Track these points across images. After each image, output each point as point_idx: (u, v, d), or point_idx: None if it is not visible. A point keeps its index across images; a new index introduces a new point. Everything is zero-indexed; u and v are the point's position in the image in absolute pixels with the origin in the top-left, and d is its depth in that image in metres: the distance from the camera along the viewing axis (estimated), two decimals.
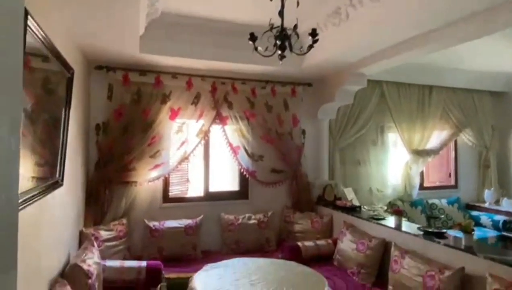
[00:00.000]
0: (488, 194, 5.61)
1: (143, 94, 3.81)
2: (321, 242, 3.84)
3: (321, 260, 3.68)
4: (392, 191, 5.30)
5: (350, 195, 4.72)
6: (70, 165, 2.73)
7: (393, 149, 5.40)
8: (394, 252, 2.97)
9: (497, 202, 5.60)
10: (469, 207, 5.78)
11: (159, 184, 3.97)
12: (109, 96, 3.73)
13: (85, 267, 2.36)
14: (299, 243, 3.75)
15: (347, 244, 3.52)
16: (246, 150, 4.24)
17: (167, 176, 3.98)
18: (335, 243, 3.81)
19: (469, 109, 5.76)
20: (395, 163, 5.37)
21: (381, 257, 3.22)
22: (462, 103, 5.71)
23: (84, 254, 2.56)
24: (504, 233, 5.00)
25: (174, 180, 4.14)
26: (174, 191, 4.14)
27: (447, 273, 2.49)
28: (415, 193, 5.36)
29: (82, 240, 3.19)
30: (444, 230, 2.98)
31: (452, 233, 3.03)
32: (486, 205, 5.61)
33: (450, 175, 5.98)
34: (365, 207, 4.29)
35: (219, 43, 3.56)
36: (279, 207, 4.43)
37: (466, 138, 5.78)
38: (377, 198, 5.13)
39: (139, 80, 3.79)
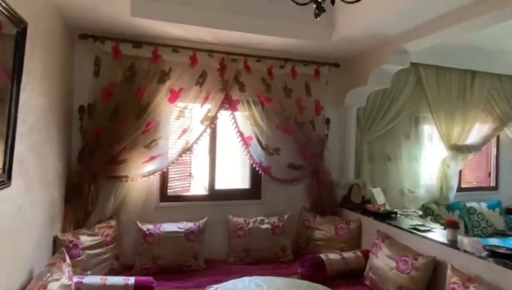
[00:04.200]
0: None
1: (138, 71, 3.14)
2: (348, 255, 3.18)
3: (348, 276, 3.03)
4: (426, 192, 4.60)
5: (379, 196, 4.04)
6: (32, 157, 2.09)
7: (428, 143, 4.67)
8: (452, 278, 2.29)
9: None
10: (509, 211, 5.04)
11: (156, 179, 3.33)
12: (96, 71, 3.07)
13: None
14: (323, 256, 3.09)
15: (383, 261, 2.84)
16: (259, 141, 3.56)
17: (165, 170, 3.33)
18: (365, 255, 3.14)
19: None
20: (430, 160, 4.65)
21: (430, 280, 2.55)
22: (508, 92, 4.94)
23: (48, 275, 1.94)
24: None
25: (173, 175, 3.49)
26: (173, 188, 3.49)
27: None
28: (452, 196, 4.65)
29: (58, 248, 2.57)
30: None
31: None
32: None
33: (489, 175, 5.24)
34: (397, 211, 3.62)
35: (231, 7, 2.88)
36: (297, 209, 3.76)
37: (511, 132, 5.02)
38: (408, 200, 4.44)
39: (132, 53, 3.12)
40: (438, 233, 2.78)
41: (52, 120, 2.49)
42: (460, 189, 4.92)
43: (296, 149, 3.70)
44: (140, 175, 3.16)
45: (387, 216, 3.34)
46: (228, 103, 3.45)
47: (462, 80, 4.67)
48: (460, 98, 4.65)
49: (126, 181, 3.13)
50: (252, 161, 3.59)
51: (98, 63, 3.07)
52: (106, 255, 2.92)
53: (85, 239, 2.82)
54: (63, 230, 2.83)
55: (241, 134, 3.52)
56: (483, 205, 4.81)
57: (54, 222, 2.66)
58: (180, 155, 3.32)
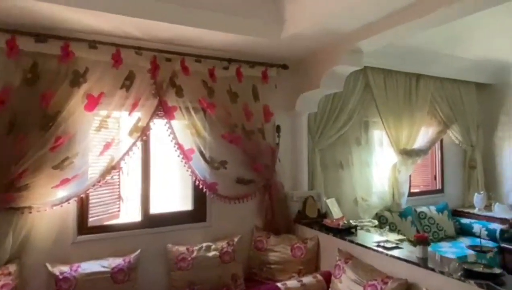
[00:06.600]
0: (478, 199, 4.95)
1: (42, 72, 2.49)
2: (308, 280, 2.79)
3: None
4: (378, 200, 4.42)
5: (334, 207, 3.75)
6: None
7: (379, 149, 4.52)
8: None
9: (486, 207, 4.98)
10: (456, 213, 5.09)
11: (72, 207, 2.66)
12: None
13: None
14: (280, 285, 2.67)
15: (348, 286, 2.50)
16: (202, 154, 3.07)
17: (83, 195, 2.68)
18: (326, 279, 2.79)
19: (456, 102, 5.08)
20: (381, 166, 4.50)
21: None
22: (449, 95, 5.02)
23: None
24: (503, 245, 4.33)
25: (96, 200, 2.84)
26: (96, 216, 2.84)
27: None
28: (404, 202, 4.54)
29: None
30: (499, 271, 2.04)
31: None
32: (476, 211, 4.96)
33: (435, 178, 5.27)
34: (356, 224, 3.33)
35: None
36: (248, 229, 3.32)
37: (453, 135, 5.10)
38: (362, 209, 4.22)
39: (35, 49, 2.47)
40: (406, 250, 2.51)
41: None
42: (409, 194, 4.85)
43: (245, 161, 3.27)
44: (49, 204, 2.48)
45: (346, 232, 3.03)
46: (163, 110, 2.91)
47: (408, 83, 4.62)
48: (407, 102, 4.59)
49: (30, 212, 2.44)
50: (194, 178, 3.07)
51: None
52: None
53: None
54: None
55: (180, 147, 2.99)
56: (432, 209, 4.79)
57: None
58: (103, 176, 2.69)
